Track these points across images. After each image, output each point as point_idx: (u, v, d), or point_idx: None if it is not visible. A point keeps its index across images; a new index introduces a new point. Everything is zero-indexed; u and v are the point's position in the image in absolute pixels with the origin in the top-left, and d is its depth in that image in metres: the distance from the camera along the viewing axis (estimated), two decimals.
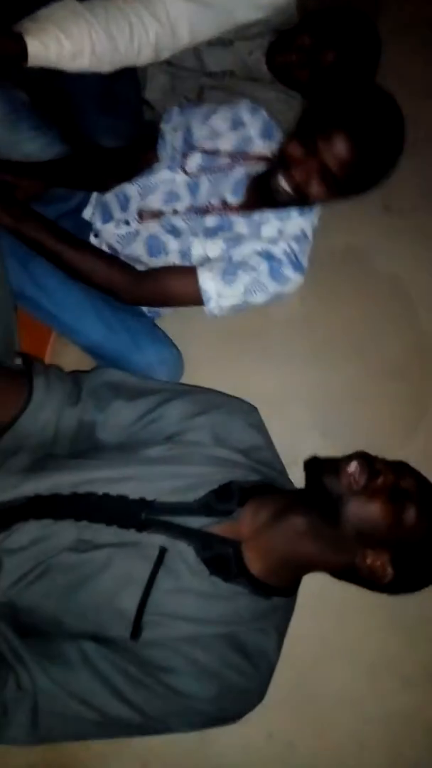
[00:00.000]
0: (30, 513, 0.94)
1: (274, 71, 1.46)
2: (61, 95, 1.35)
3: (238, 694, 0.88)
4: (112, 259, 1.26)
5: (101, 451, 1.05)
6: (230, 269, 1.18)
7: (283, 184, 1.13)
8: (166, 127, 1.33)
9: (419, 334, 1.55)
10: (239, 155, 1.24)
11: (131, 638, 0.86)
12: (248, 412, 1.10)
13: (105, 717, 0.85)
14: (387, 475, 0.90)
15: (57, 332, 1.41)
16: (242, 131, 1.27)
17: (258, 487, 0.99)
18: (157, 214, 1.27)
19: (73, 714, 0.85)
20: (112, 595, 0.88)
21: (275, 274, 1.18)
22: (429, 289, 1.61)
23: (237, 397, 1.14)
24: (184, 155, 1.28)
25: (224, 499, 0.95)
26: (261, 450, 1.07)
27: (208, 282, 1.18)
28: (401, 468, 0.93)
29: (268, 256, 1.19)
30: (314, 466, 0.94)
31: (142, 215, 1.28)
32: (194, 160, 1.26)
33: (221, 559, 0.91)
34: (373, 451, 1.31)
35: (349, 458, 0.91)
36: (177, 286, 1.20)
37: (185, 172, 1.26)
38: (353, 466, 0.90)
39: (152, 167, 1.31)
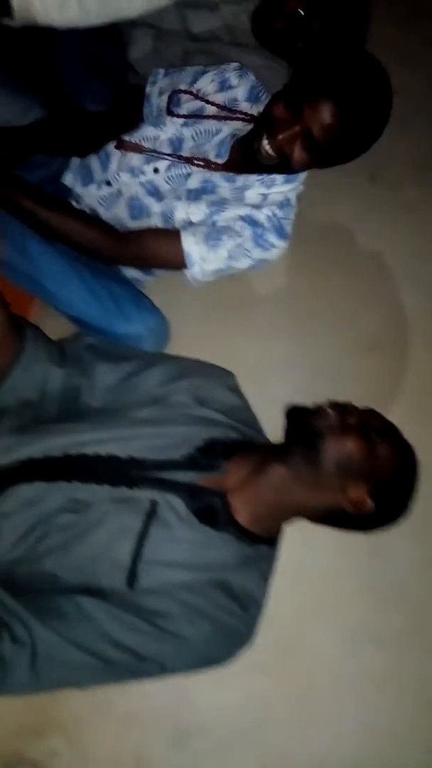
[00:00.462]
0: (22, 476, 0.96)
1: (259, 38, 1.43)
2: (42, 58, 1.31)
3: (229, 634, 0.93)
4: (91, 219, 1.24)
5: (88, 414, 1.08)
6: (214, 234, 1.17)
7: (266, 146, 1.11)
8: (152, 90, 1.30)
9: (400, 308, 1.56)
10: (225, 111, 1.22)
11: (127, 586, 0.90)
12: (225, 376, 1.16)
13: (103, 662, 0.88)
14: (358, 416, 0.97)
15: (40, 300, 1.39)
16: (229, 92, 1.25)
17: (240, 444, 1.04)
18: (139, 149, 1.24)
19: (71, 660, 0.88)
20: (108, 548, 0.91)
21: (259, 239, 1.17)
22: (412, 263, 1.61)
23: (213, 364, 1.18)
24: (170, 98, 1.25)
25: (210, 454, 1.00)
26: (240, 410, 1.12)
27: (192, 246, 1.17)
28: (370, 411, 1.01)
29: (252, 222, 1.17)
30: (295, 411, 0.99)
31: (123, 145, 1.24)
32: (181, 105, 1.24)
33: (210, 510, 0.95)
34: None
35: (324, 403, 0.98)
36: (161, 248, 1.19)
37: (171, 113, 1.23)
38: (329, 409, 0.97)
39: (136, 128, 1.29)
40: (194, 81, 1.27)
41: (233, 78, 1.25)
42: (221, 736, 1.25)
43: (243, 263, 1.19)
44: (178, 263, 1.19)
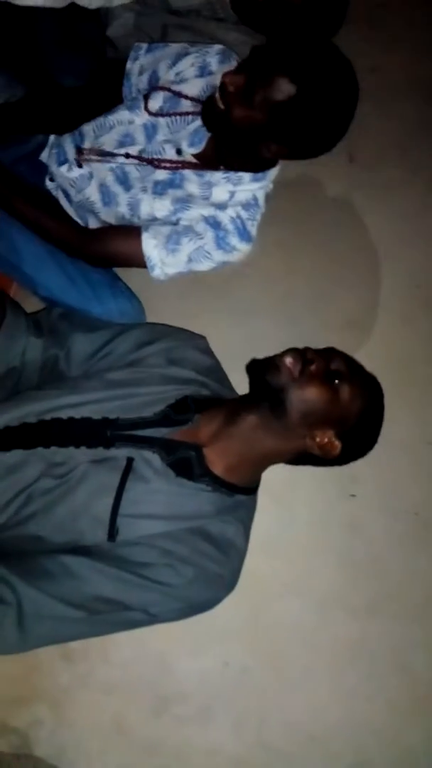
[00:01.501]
0: (0, 445, 0.98)
1: (238, 12, 1.41)
2: (19, 34, 1.29)
3: (212, 578, 0.96)
4: (63, 215, 1.24)
5: (64, 380, 1.11)
6: (174, 237, 1.16)
7: (218, 100, 1.07)
8: (132, 67, 1.27)
9: (378, 287, 1.59)
10: (202, 102, 1.21)
11: (109, 540, 0.93)
12: (198, 338, 1.19)
13: (90, 614, 0.91)
14: (318, 361, 0.98)
15: (17, 283, 1.39)
16: (208, 78, 1.21)
17: (211, 400, 1.07)
18: (100, 154, 1.22)
19: (59, 614, 0.90)
20: (87, 505, 0.94)
21: (221, 242, 1.16)
22: (390, 242, 1.63)
23: (185, 329, 1.21)
24: (147, 96, 1.22)
25: (182, 410, 1.02)
26: (212, 371, 1.15)
27: (152, 250, 1.16)
28: (330, 352, 1.02)
29: (215, 224, 1.16)
30: (255, 366, 1.00)
31: (81, 153, 1.23)
32: (156, 101, 1.21)
33: (185, 462, 0.98)
34: None
35: (283, 354, 0.98)
36: (122, 249, 1.19)
37: (147, 110, 1.21)
38: (288, 359, 0.97)
39: (114, 108, 1.27)
40: (175, 62, 1.23)
41: (214, 63, 1.21)
42: (199, 702, 1.30)
43: (204, 266, 1.18)
44: (140, 264, 1.18)
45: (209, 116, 1.11)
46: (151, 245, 1.16)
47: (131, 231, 1.19)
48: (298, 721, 1.30)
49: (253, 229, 1.18)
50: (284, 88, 1.01)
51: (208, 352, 1.18)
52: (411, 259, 1.61)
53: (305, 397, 0.95)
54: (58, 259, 1.23)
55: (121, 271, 1.37)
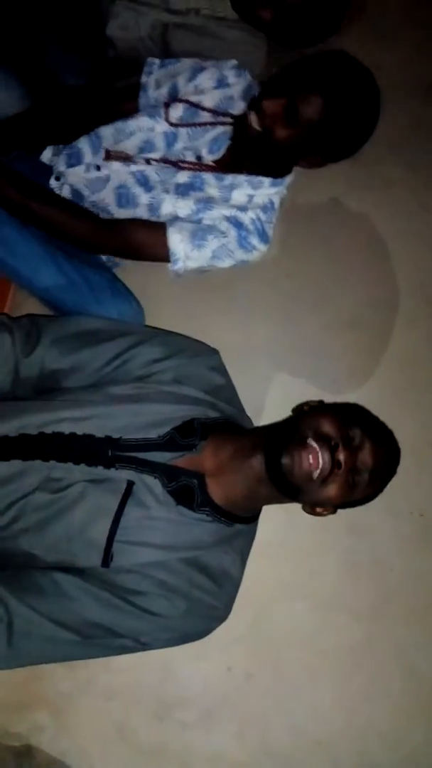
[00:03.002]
0: None
1: (237, 9, 1.41)
2: (21, 33, 1.28)
3: (205, 610, 0.95)
4: (78, 209, 1.23)
5: (67, 391, 1.06)
6: (200, 233, 1.18)
7: (253, 120, 1.13)
8: (148, 80, 1.30)
9: (379, 286, 1.58)
10: (220, 113, 1.24)
11: (102, 566, 0.91)
12: (209, 355, 1.14)
13: (80, 637, 0.90)
14: (347, 461, 0.91)
15: (16, 285, 1.38)
16: (226, 90, 1.26)
17: (219, 424, 1.03)
18: (125, 157, 1.23)
19: (48, 635, 0.89)
20: (83, 527, 0.92)
21: (243, 242, 1.20)
22: (391, 241, 1.62)
23: (200, 341, 1.17)
24: (167, 105, 1.25)
25: (187, 434, 0.99)
26: (222, 389, 1.11)
27: (178, 244, 1.18)
28: (362, 439, 0.94)
29: (237, 224, 1.19)
30: (279, 439, 0.94)
31: (108, 155, 1.24)
32: (176, 111, 1.24)
33: (186, 490, 0.96)
34: (328, 400, 1.36)
35: (313, 439, 0.91)
36: (146, 241, 1.19)
37: (167, 121, 1.24)
38: (315, 458, 0.90)
39: (131, 116, 1.27)
40: (194, 76, 1.27)
41: (231, 76, 1.27)
42: (202, 708, 1.29)
43: (225, 263, 1.21)
44: (163, 257, 1.19)
45: (243, 137, 1.16)
46: (177, 240, 1.18)
47: (155, 225, 1.20)
48: (302, 725, 1.29)
49: (270, 231, 1.23)
50: (324, 107, 1.09)
51: (219, 369, 1.14)
52: (413, 258, 1.60)
53: (321, 497, 0.94)
54: (55, 259, 1.22)
55: (120, 272, 1.36)
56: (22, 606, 0.88)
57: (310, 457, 0.90)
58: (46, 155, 1.30)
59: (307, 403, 1.08)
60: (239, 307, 1.52)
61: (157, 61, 1.31)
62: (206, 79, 1.27)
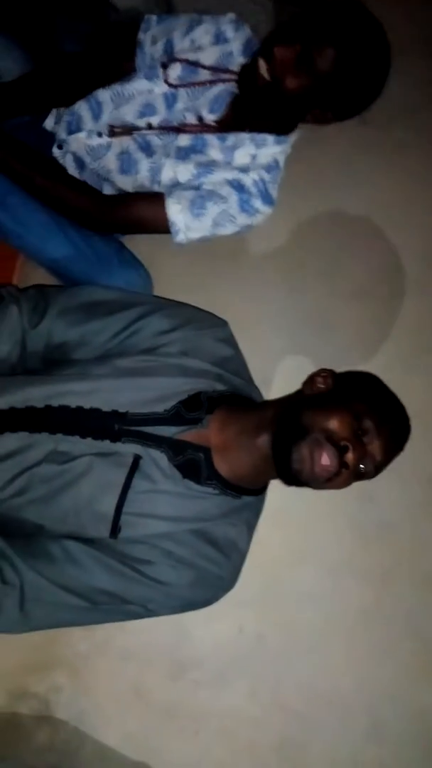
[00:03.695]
0: (5, 426, 0.97)
1: None
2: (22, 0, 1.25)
3: (211, 579, 0.97)
4: (79, 184, 1.22)
5: (74, 363, 1.06)
6: (199, 201, 1.15)
7: (262, 68, 1.09)
8: (144, 37, 1.25)
9: (389, 254, 1.56)
10: (220, 71, 1.19)
11: (110, 537, 0.93)
12: (218, 326, 1.13)
13: (89, 603, 0.92)
14: (354, 459, 0.92)
15: (23, 254, 1.38)
16: (224, 46, 1.21)
17: (226, 397, 1.03)
18: (129, 130, 1.21)
19: (59, 601, 0.92)
20: (91, 500, 0.93)
21: (245, 205, 1.16)
22: (402, 207, 1.60)
23: (209, 312, 1.16)
24: (164, 65, 1.21)
25: (193, 408, 0.99)
26: (229, 361, 1.10)
27: (177, 215, 1.15)
28: (376, 430, 0.94)
29: (239, 187, 1.16)
30: (288, 434, 0.93)
31: (113, 131, 1.22)
32: (174, 71, 1.20)
33: (193, 464, 0.96)
34: (337, 368, 1.35)
35: (324, 439, 0.91)
36: (146, 214, 1.18)
37: (166, 82, 1.20)
38: (324, 459, 0.90)
39: (128, 77, 1.24)
40: (189, 31, 1.22)
41: (229, 30, 1.21)
42: (215, 667, 1.32)
43: (228, 229, 1.18)
44: (164, 229, 1.17)
45: (250, 87, 1.12)
46: (175, 210, 1.15)
47: (154, 196, 1.18)
48: (313, 684, 1.32)
49: (274, 192, 1.19)
50: (335, 56, 1.05)
51: (227, 340, 1.12)
52: (422, 223, 1.57)
53: (326, 488, 0.95)
54: (63, 228, 1.21)
55: (129, 241, 1.35)
56: (33, 572, 0.90)
57: (321, 460, 0.90)
58: (49, 122, 1.28)
59: (319, 374, 1.02)
60: (246, 277, 1.51)
61: (154, 17, 1.26)
62: (203, 34, 1.22)
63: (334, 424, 0.91)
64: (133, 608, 0.95)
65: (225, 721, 1.31)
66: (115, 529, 0.92)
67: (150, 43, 1.24)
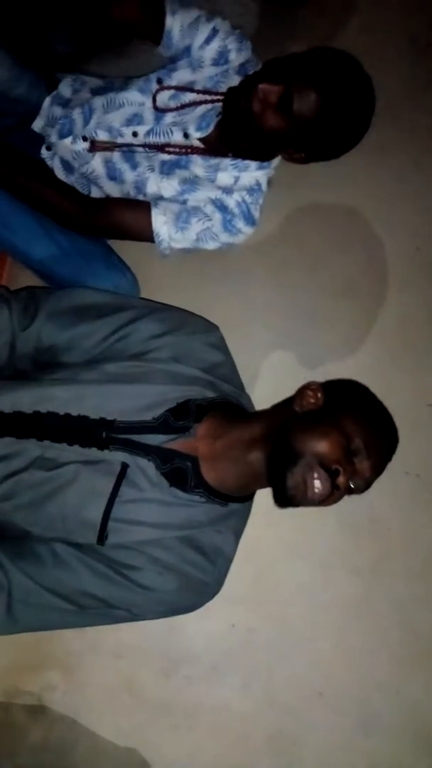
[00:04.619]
0: None
1: None
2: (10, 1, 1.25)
3: (197, 586, 0.97)
4: (63, 186, 1.22)
5: (63, 368, 1.06)
6: (184, 215, 1.17)
7: (243, 100, 1.07)
8: (172, 22, 1.20)
9: (373, 251, 1.57)
10: (210, 93, 1.19)
11: (98, 543, 0.93)
12: (209, 331, 1.12)
13: (76, 606, 0.93)
14: (345, 482, 0.92)
15: (10, 256, 1.38)
16: (224, 66, 1.21)
17: (215, 404, 1.03)
18: (110, 146, 1.21)
19: (46, 604, 0.92)
20: (78, 508, 0.93)
21: (227, 225, 1.18)
22: (385, 205, 1.61)
23: (200, 317, 1.16)
24: (159, 81, 1.21)
25: (181, 416, 0.99)
26: (220, 367, 1.09)
27: (161, 226, 1.16)
28: (366, 453, 0.94)
29: (222, 207, 1.18)
30: (282, 457, 0.93)
31: (93, 145, 1.21)
32: (164, 97, 1.21)
33: (180, 472, 0.96)
34: (325, 364, 1.37)
35: (317, 465, 0.91)
36: (130, 222, 1.18)
37: (154, 107, 1.21)
38: (316, 486, 0.91)
39: (123, 84, 1.25)
40: (207, 43, 1.19)
41: (233, 51, 1.20)
42: (207, 663, 1.33)
43: (210, 245, 1.20)
44: (147, 238, 1.18)
45: (232, 110, 1.12)
46: (160, 221, 1.16)
47: (140, 205, 1.19)
48: (305, 677, 1.33)
49: (256, 213, 1.21)
50: (317, 104, 1.04)
51: (219, 346, 1.12)
52: (410, 220, 1.59)
53: (317, 506, 0.94)
54: (48, 231, 1.21)
55: (115, 244, 1.36)
56: (21, 574, 0.91)
57: (315, 486, 0.91)
58: (38, 124, 1.28)
59: (309, 387, 1.01)
60: (234, 274, 1.52)
61: (177, 4, 1.21)
62: (213, 50, 1.20)
63: (325, 447, 0.91)
64: (119, 612, 0.96)
65: (218, 716, 1.32)
66: (102, 536, 0.93)
67: (179, 35, 1.20)
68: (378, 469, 0.97)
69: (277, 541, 1.37)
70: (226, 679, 1.33)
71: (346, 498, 1.37)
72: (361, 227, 1.59)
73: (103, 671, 1.32)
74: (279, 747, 1.31)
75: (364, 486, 0.96)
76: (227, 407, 1.04)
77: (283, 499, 0.93)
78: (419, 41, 1.74)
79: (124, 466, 0.95)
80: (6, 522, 0.96)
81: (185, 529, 0.96)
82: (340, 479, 0.91)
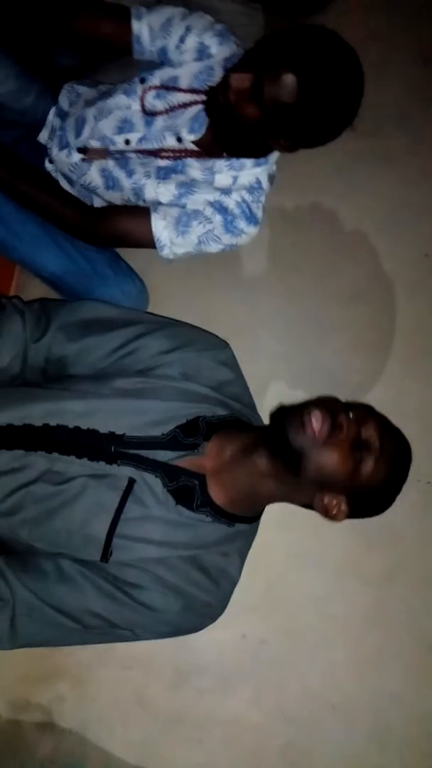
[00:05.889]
0: (1, 443, 0.96)
1: None
2: (14, 13, 1.26)
3: (200, 607, 0.96)
4: (65, 194, 1.22)
5: (73, 381, 1.06)
6: (184, 219, 1.15)
7: (219, 93, 1.04)
8: (140, 27, 1.17)
9: (381, 258, 1.57)
10: (197, 92, 1.16)
11: (101, 560, 0.92)
12: (219, 348, 1.11)
13: (78, 624, 0.92)
14: (349, 428, 0.91)
15: (19, 266, 1.38)
16: (206, 62, 1.17)
17: (225, 422, 1.02)
18: (103, 153, 1.20)
19: (49, 620, 0.91)
20: (83, 523, 0.92)
21: (229, 226, 1.16)
22: (393, 212, 1.61)
23: (211, 333, 1.15)
24: (143, 80, 1.19)
25: (191, 433, 0.98)
26: (230, 385, 1.09)
27: (162, 231, 1.15)
28: (364, 415, 0.95)
29: (222, 209, 1.16)
30: (280, 416, 0.94)
31: (86, 151, 1.21)
32: (149, 98, 1.19)
33: (187, 490, 0.95)
34: (333, 372, 1.36)
35: (312, 407, 0.92)
36: (131, 229, 1.17)
37: (143, 111, 1.19)
38: (316, 419, 0.90)
39: (109, 90, 1.25)
40: (181, 42, 1.16)
41: (213, 45, 1.16)
42: (218, 674, 1.32)
43: (213, 248, 1.18)
44: (149, 244, 1.17)
45: (213, 108, 1.09)
46: (160, 226, 1.15)
47: (140, 211, 1.17)
48: (317, 689, 1.32)
49: (258, 212, 1.18)
50: (293, 88, 0.98)
51: (229, 363, 1.10)
52: (417, 227, 1.59)
53: (323, 463, 0.90)
54: (55, 239, 1.21)
55: (123, 251, 1.36)
56: (26, 590, 0.90)
57: (313, 419, 0.90)
58: (43, 136, 1.29)
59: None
60: (242, 281, 1.52)
61: (143, 8, 1.18)
62: (190, 47, 1.17)
63: (325, 400, 0.94)
64: (121, 632, 0.95)
65: (229, 728, 1.30)
66: (106, 553, 0.92)
67: (149, 38, 1.17)
68: (387, 442, 0.93)
69: (288, 550, 1.36)
70: (237, 691, 1.31)
71: None
72: (368, 234, 1.58)
73: (112, 683, 1.31)
74: (291, 760, 1.30)
75: (374, 459, 0.91)
76: (237, 425, 1.04)
77: (289, 453, 0.90)
78: (427, 49, 1.75)
79: (131, 481, 0.94)
80: (11, 536, 0.95)
81: (190, 548, 0.95)
82: (341, 418, 0.91)
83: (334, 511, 0.94)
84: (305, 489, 0.94)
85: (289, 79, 0.97)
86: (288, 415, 0.93)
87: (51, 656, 1.30)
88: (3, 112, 1.26)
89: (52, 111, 1.28)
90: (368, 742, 1.30)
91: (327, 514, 0.95)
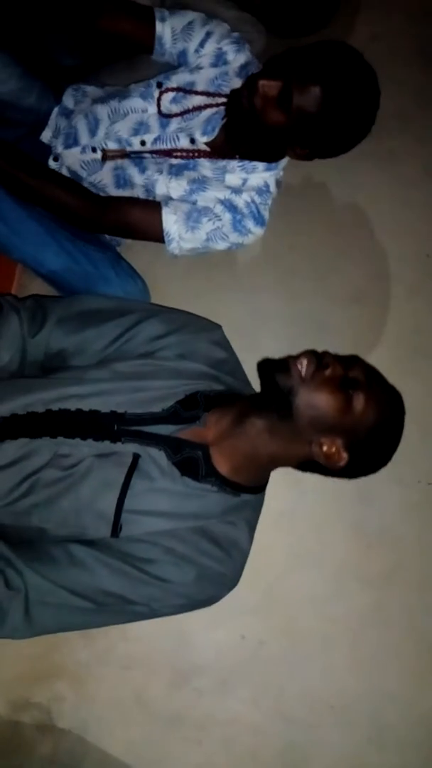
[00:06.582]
0: (5, 433, 0.97)
1: None
2: (18, 12, 1.26)
3: (214, 577, 0.96)
4: (74, 185, 1.22)
5: (73, 370, 1.08)
6: (194, 215, 1.18)
7: (245, 100, 1.09)
8: (163, 29, 1.21)
9: (381, 259, 1.57)
10: (213, 95, 1.20)
11: (112, 536, 0.93)
12: (212, 329, 1.14)
13: (94, 604, 0.92)
14: (335, 367, 0.94)
15: (21, 265, 1.38)
16: (223, 68, 1.22)
17: (222, 396, 1.05)
18: (120, 155, 1.23)
19: (64, 603, 0.91)
20: (91, 501, 0.94)
21: (237, 225, 1.19)
22: (393, 213, 1.61)
23: (202, 317, 1.18)
24: (159, 85, 1.22)
25: (190, 407, 1.00)
26: (224, 363, 1.12)
27: (172, 225, 1.18)
28: (351, 360, 0.98)
29: (231, 207, 1.19)
30: (266, 366, 0.98)
31: (105, 155, 1.23)
32: (167, 100, 1.22)
33: (191, 461, 0.97)
34: None
35: (297, 355, 0.96)
36: (141, 220, 1.19)
37: (160, 113, 1.22)
38: (301, 361, 0.94)
39: (125, 92, 1.26)
40: (201, 46, 1.21)
41: (230, 52, 1.21)
42: (217, 675, 1.32)
43: (219, 245, 1.21)
44: (157, 237, 1.19)
45: (235, 110, 1.13)
46: (171, 220, 1.18)
47: (151, 204, 1.20)
48: (316, 690, 1.32)
49: (266, 213, 1.22)
50: (318, 99, 1.04)
51: (222, 344, 1.14)
52: (419, 228, 1.59)
53: (314, 401, 0.92)
54: (57, 236, 1.22)
55: (125, 250, 1.36)
56: (37, 576, 0.90)
57: (297, 362, 0.94)
58: (46, 135, 1.29)
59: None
60: (242, 283, 1.52)
61: (165, 10, 1.23)
62: (208, 52, 1.22)
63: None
64: (138, 608, 0.95)
65: (228, 729, 1.30)
66: (116, 528, 0.93)
67: (171, 40, 1.22)
68: (375, 380, 0.98)
69: (287, 551, 1.36)
70: (235, 692, 1.31)
71: (357, 507, 1.38)
72: (370, 235, 1.59)
73: (112, 683, 1.31)
74: (290, 760, 1.30)
75: (364, 395, 0.93)
76: (235, 399, 1.06)
77: (279, 396, 0.93)
78: (428, 50, 1.75)
79: (136, 457, 0.95)
80: (20, 524, 0.96)
81: (198, 519, 0.96)
82: (327, 358, 0.95)
83: (335, 457, 0.94)
84: (302, 438, 0.95)
85: (316, 90, 1.04)
86: (274, 362, 0.97)
87: (50, 655, 1.30)
88: (6, 111, 1.27)
89: (56, 110, 1.29)
90: (367, 743, 1.30)
91: (328, 460, 0.95)
